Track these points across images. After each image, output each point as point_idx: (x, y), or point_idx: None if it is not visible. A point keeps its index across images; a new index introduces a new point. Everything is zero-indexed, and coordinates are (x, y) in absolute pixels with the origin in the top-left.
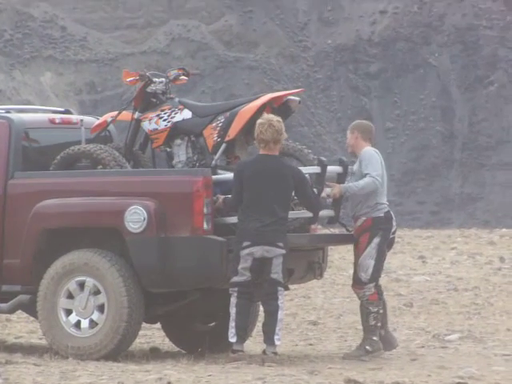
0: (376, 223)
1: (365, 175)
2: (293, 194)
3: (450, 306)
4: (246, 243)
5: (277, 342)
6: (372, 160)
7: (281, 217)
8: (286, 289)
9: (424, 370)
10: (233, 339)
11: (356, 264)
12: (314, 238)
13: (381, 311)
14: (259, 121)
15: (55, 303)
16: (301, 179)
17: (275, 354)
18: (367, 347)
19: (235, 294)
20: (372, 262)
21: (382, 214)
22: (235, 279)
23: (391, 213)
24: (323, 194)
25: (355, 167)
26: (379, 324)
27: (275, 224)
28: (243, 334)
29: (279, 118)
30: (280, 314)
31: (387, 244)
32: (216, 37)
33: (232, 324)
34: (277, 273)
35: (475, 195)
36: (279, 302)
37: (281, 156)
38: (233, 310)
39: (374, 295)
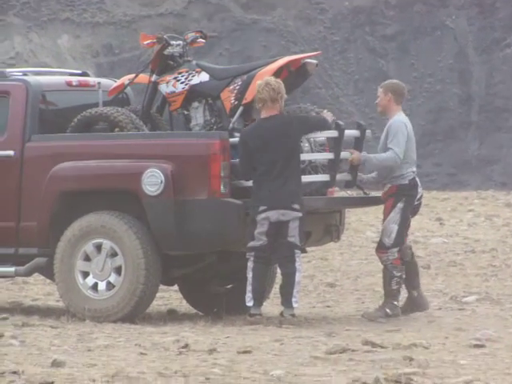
0: (401, 190)
1: (388, 149)
2: (303, 147)
3: (468, 268)
4: (261, 208)
5: (294, 305)
6: (398, 134)
7: (294, 177)
8: (304, 251)
9: (441, 332)
10: (250, 303)
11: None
12: (331, 200)
13: (403, 276)
14: (265, 82)
15: (72, 266)
16: (303, 120)
17: (293, 316)
18: (387, 310)
19: (252, 259)
20: (395, 227)
21: (407, 182)
22: (251, 244)
23: (417, 180)
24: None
25: (382, 137)
26: (401, 289)
27: (289, 186)
28: (260, 297)
29: (278, 80)
30: (297, 277)
31: (412, 210)
32: None
33: (249, 288)
34: (293, 236)
35: (492, 157)
36: (297, 265)
37: (282, 114)
38: (249, 275)
39: (397, 260)
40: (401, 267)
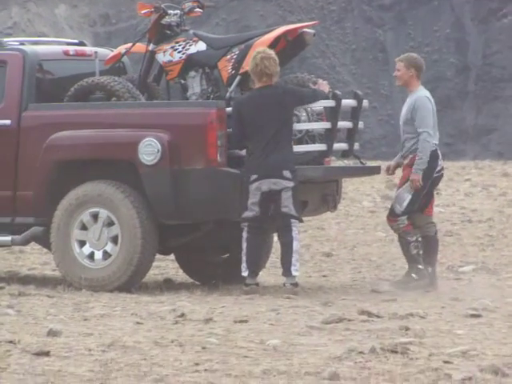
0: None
1: (419, 133)
2: (300, 116)
3: (464, 238)
4: (252, 177)
5: (294, 273)
6: (425, 112)
7: (285, 147)
8: (300, 221)
9: (438, 302)
10: (245, 273)
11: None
12: (327, 170)
13: (419, 239)
14: (261, 55)
15: (69, 235)
16: (295, 92)
17: (294, 285)
18: (413, 275)
19: (246, 229)
20: (409, 196)
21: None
22: (245, 214)
23: (438, 152)
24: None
25: (404, 110)
26: (421, 252)
27: (280, 155)
28: (255, 267)
29: (273, 53)
30: (295, 245)
31: (433, 182)
32: None
33: (243, 258)
34: (287, 206)
35: (489, 127)
36: (293, 233)
37: (275, 84)
38: (244, 245)
39: (407, 226)
40: (413, 232)
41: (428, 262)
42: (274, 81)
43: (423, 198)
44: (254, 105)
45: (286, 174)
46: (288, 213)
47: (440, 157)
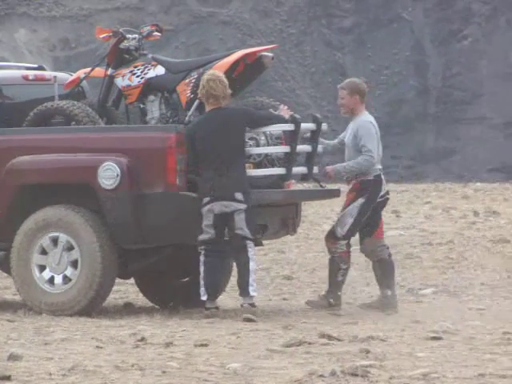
0: (364, 185)
1: (360, 152)
2: (259, 140)
3: (424, 261)
4: (205, 200)
5: (252, 293)
6: (369, 136)
7: (236, 168)
8: (259, 244)
9: (398, 325)
10: (204, 297)
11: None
12: (287, 193)
13: (349, 268)
14: (207, 77)
15: (29, 259)
16: (246, 112)
17: (252, 305)
18: (331, 300)
19: (203, 252)
20: (351, 220)
21: (372, 178)
22: (201, 237)
23: (382, 177)
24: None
25: (348, 136)
26: (345, 280)
27: (231, 177)
28: (213, 291)
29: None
30: (252, 266)
31: (377, 206)
32: None
33: (202, 282)
34: (241, 228)
35: (450, 149)
36: (249, 254)
37: (225, 107)
38: (202, 269)
39: (344, 252)
40: (347, 260)
41: (386, 285)
42: (225, 103)
43: (370, 223)
44: (203, 128)
45: (238, 196)
46: (242, 234)
47: (384, 182)
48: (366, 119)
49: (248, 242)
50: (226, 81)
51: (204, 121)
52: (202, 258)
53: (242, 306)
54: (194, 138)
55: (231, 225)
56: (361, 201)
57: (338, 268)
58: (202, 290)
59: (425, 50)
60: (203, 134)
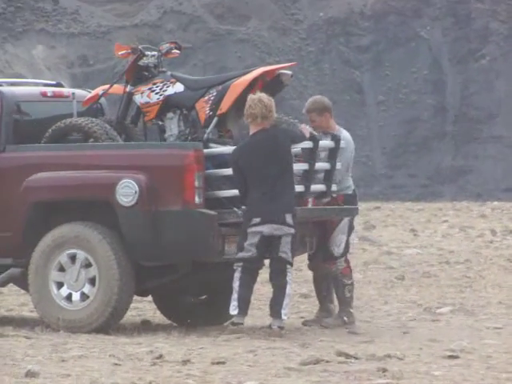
0: (347, 200)
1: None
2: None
3: (442, 279)
4: (254, 220)
5: (283, 317)
6: (350, 154)
7: (287, 190)
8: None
9: (415, 343)
10: (234, 312)
11: (327, 240)
12: (305, 211)
13: (354, 283)
14: (250, 96)
15: (46, 276)
16: (290, 131)
17: (281, 328)
18: (345, 318)
19: (239, 269)
20: (344, 237)
21: (351, 192)
22: (241, 255)
23: (356, 192)
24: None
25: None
26: (353, 295)
27: (283, 199)
28: (245, 307)
29: (270, 97)
30: (288, 289)
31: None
32: (208, 10)
33: (234, 296)
34: (285, 252)
35: (466, 168)
36: (288, 278)
37: (271, 127)
38: (236, 284)
39: (346, 268)
40: (350, 275)
41: (330, 300)
42: (268, 124)
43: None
44: (250, 151)
45: (289, 219)
46: (286, 259)
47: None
48: (346, 134)
49: (288, 265)
50: (267, 101)
51: (249, 144)
52: (237, 275)
53: (270, 327)
54: (239, 162)
55: (276, 247)
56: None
57: (343, 285)
58: (234, 304)
59: (442, 68)
60: (250, 156)
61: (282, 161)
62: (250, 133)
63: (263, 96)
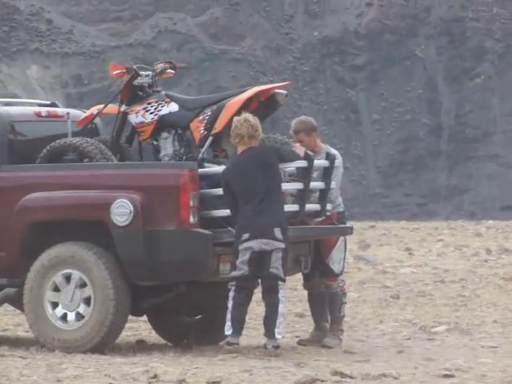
0: (340, 217)
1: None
2: (283, 173)
3: (437, 298)
4: (244, 236)
5: (277, 336)
6: (340, 171)
7: (275, 206)
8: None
9: (411, 362)
10: (228, 332)
11: (326, 257)
12: (299, 231)
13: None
14: (235, 118)
15: (41, 296)
16: (276, 149)
17: (276, 347)
18: (341, 337)
19: (233, 288)
20: (342, 255)
21: (342, 209)
22: (233, 273)
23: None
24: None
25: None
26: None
27: (271, 214)
28: (239, 327)
29: (256, 117)
30: (281, 308)
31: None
32: (202, 29)
33: (228, 316)
34: (276, 268)
35: (462, 187)
36: (280, 296)
37: (259, 145)
38: (230, 303)
39: (344, 287)
40: (345, 293)
41: (326, 319)
42: (255, 144)
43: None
44: (238, 170)
45: (278, 233)
46: (277, 274)
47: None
48: (336, 152)
49: (280, 282)
50: (253, 121)
51: (236, 163)
52: (231, 294)
53: (265, 346)
54: (230, 181)
55: (267, 263)
56: None
57: (341, 303)
58: (228, 324)
59: (437, 87)
60: (238, 174)
61: (269, 178)
62: (238, 152)
63: (249, 116)
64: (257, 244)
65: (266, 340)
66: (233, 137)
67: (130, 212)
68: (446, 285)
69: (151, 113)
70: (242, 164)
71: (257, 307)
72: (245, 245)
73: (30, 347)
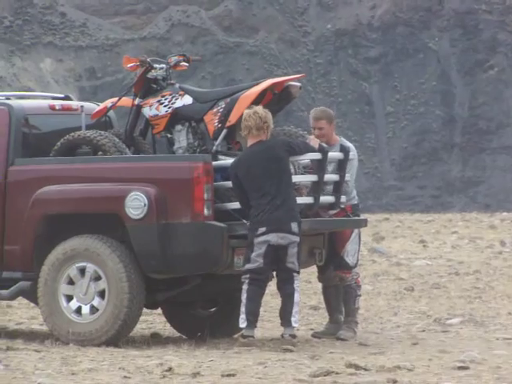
0: (354, 209)
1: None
2: (292, 166)
3: (451, 290)
4: (260, 230)
5: (294, 324)
6: (356, 163)
7: (289, 199)
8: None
9: (425, 354)
10: (243, 325)
11: (340, 250)
12: (314, 223)
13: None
14: (245, 110)
15: (56, 289)
16: (285, 143)
17: (293, 336)
18: (355, 329)
19: (247, 281)
20: (357, 247)
21: (356, 202)
22: (248, 266)
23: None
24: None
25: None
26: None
27: (286, 207)
28: (253, 319)
29: (267, 110)
30: (296, 297)
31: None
32: (216, 22)
33: (242, 309)
34: (292, 262)
35: (476, 179)
36: (295, 286)
37: (269, 138)
38: (243, 296)
39: (358, 279)
40: (360, 286)
41: (340, 312)
42: (264, 137)
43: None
44: (247, 163)
45: (294, 227)
46: (292, 268)
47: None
48: (351, 145)
49: (295, 274)
50: (262, 113)
51: (245, 156)
52: (245, 287)
53: (282, 336)
54: (238, 174)
55: (283, 257)
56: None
57: (355, 295)
58: (243, 317)
59: (451, 79)
60: (247, 168)
61: (280, 171)
62: (248, 145)
63: (258, 108)
64: (274, 238)
65: (283, 329)
66: (242, 129)
67: (145, 205)
68: (461, 277)
69: (165, 106)
70: (251, 157)
71: (271, 300)
72: (261, 238)
73: (45, 340)
